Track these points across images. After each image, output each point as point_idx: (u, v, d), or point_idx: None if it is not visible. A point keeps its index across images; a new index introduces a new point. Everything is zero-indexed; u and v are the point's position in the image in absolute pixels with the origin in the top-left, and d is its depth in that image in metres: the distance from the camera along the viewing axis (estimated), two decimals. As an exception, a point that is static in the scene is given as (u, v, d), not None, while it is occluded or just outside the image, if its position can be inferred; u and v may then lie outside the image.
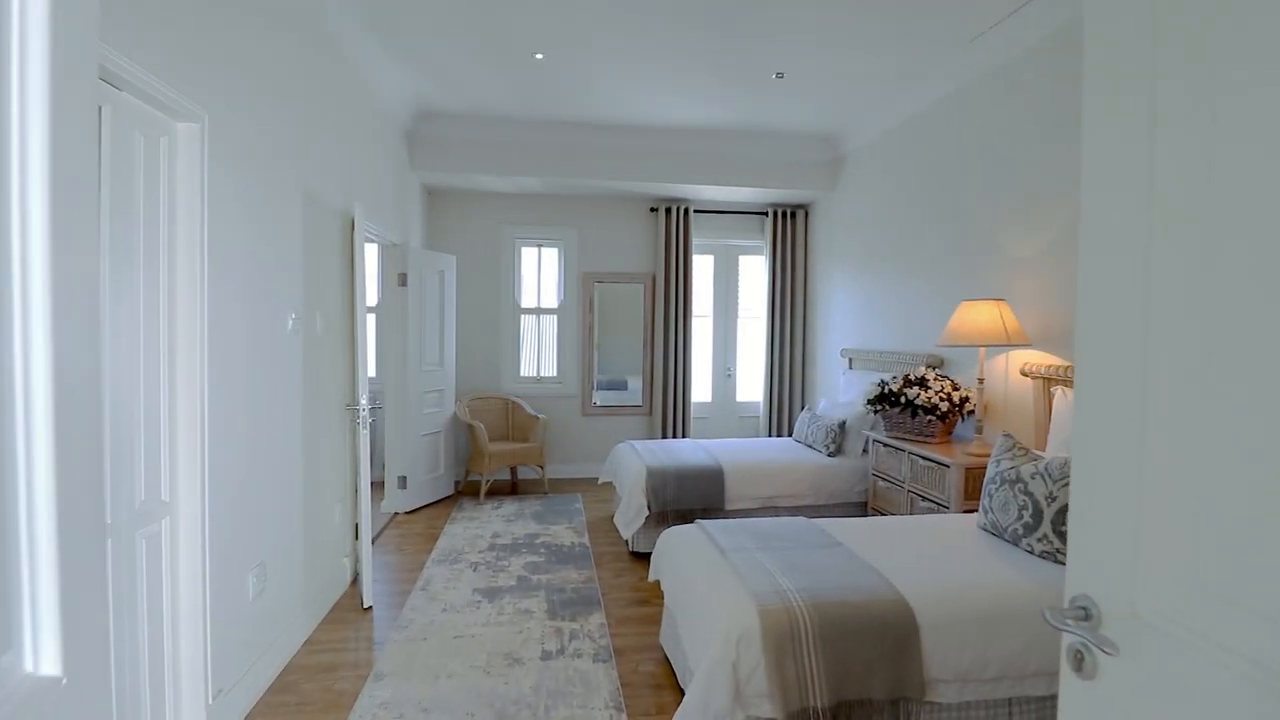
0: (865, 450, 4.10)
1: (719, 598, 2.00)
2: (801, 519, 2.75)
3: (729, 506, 3.80)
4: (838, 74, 3.83)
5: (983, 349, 3.17)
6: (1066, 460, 2.29)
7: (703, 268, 5.94)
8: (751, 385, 6.05)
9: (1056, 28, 2.99)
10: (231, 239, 2.14)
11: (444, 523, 4.37)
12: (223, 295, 2.08)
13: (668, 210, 5.58)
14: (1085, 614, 0.85)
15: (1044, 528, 2.29)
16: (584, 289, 5.73)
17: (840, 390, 4.71)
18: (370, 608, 3.04)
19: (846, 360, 4.89)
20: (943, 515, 2.91)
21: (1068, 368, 2.83)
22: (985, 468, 2.99)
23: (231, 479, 2.15)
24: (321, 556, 2.97)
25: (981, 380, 3.17)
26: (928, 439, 3.46)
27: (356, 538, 3.36)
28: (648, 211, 5.74)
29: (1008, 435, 2.63)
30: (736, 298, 6.01)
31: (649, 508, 3.69)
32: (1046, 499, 2.30)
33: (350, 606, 3.06)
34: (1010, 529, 2.41)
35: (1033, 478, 2.36)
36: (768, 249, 5.69)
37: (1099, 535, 0.85)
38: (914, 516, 2.89)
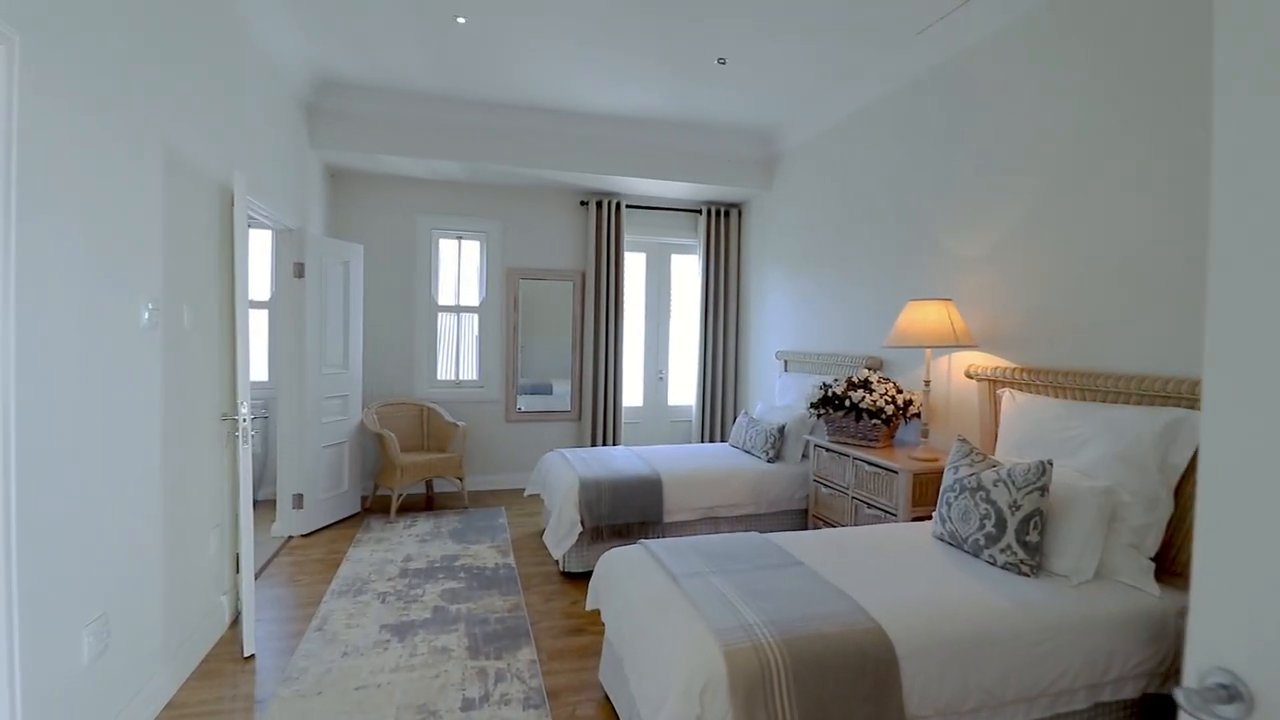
0: (805, 455, 3.97)
1: (674, 636, 1.73)
2: (754, 534, 2.53)
3: (668, 519, 3.55)
4: (780, 62, 3.67)
5: (929, 350, 3.08)
6: (1031, 466, 2.19)
7: (635, 266, 5.70)
8: (684, 389, 5.85)
9: (1000, 27, 2.94)
10: (58, 197, 1.67)
11: (347, 546, 3.87)
12: (42, 270, 1.61)
13: (599, 204, 5.30)
14: (1229, 694, 0.63)
15: (1007, 538, 2.17)
16: (508, 286, 5.34)
17: (776, 394, 4.58)
18: (252, 656, 2.55)
19: (782, 363, 4.78)
20: (894, 525, 2.77)
21: (1016, 369, 2.78)
22: (934, 474, 2.91)
23: (54, 510, 1.67)
24: (190, 597, 2.46)
25: (928, 383, 3.08)
26: (871, 443, 3.35)
27: (238, 570, 2.85)
28: (577, 205, 5.43)
29: (963, 440, 2.52)
30: (669, 298, 5.80)
31: (582, 523, 3.37)
32: (1010, 507, 2.18)
33: (228, 655, 2.56)
34: (971, 539, 2.28)
35: (995, 485, 2.25)
36: (701, 248, 5.52)
37: (1245, 588, 0.63)
38: (866, 527, 2.74)
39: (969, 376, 3.03)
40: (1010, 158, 2.90)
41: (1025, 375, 2.73)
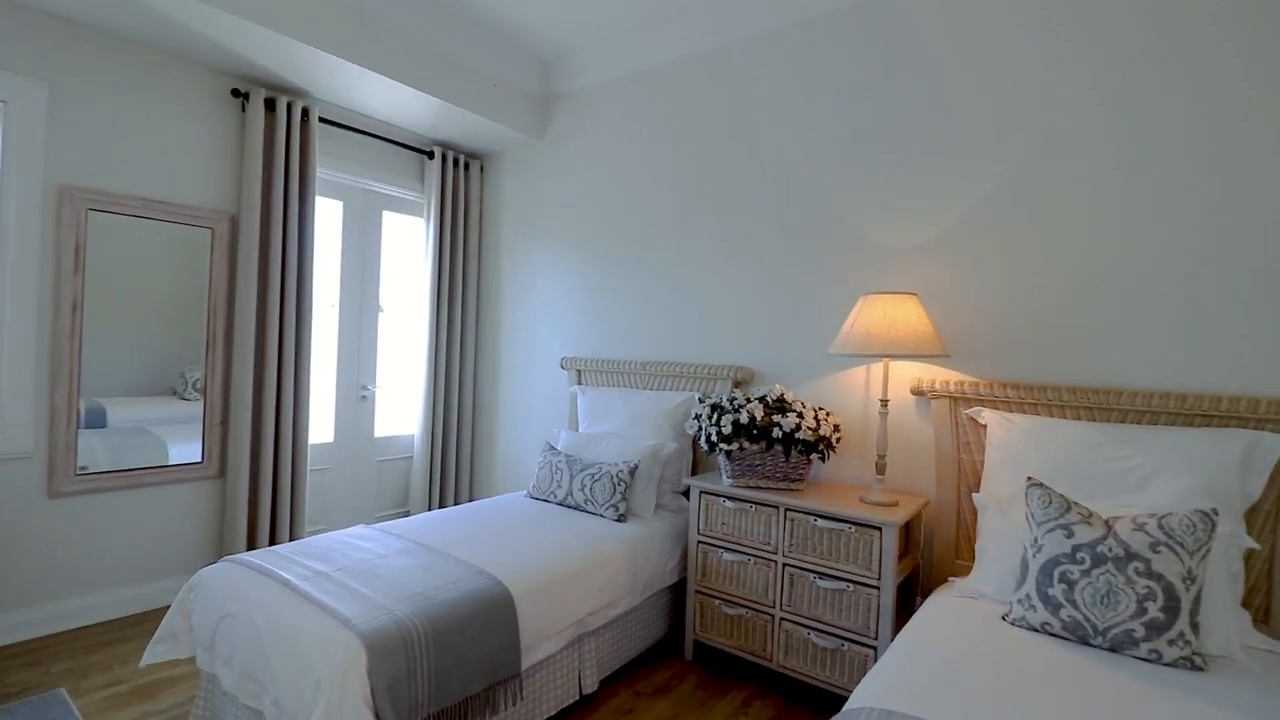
0: (660, 505, 2.86)
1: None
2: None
3: (526, 663, 1.97)
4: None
5: (887, 361, 2.37)
6: (1191, 519, 1.62)
7: (328, 220, 3.58)
8: (401, 412, 3.97)
9: (949, -29, 2.45)
10: None
11: None
12: None
13: (270, 104, 3.09)
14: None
15: (1180, 623, 1.56)
16: (60, 220, 2.65)
17: (582, 417, 3.30)
18: None
19: (573, 375, 3.50)
20: (940, 603, 1.94)
21: (1000, 384, 2.27)
22: (905, 525, 2.19)
23: None
24: None
25: (885, 402, 2.35)
26: (793, 485, 2.48)
27: None
28: (227, 96, 3.08)
29: (1042, 485, 1.84)
30: (377, 274, 3.84)
31: (381, 730, 1.54)
32: (1185, 580, 1.58)
33: None
34: (1118, 631, 1.60)
35: (1155, 550, 1.61)
36: (433, 208, 3.79)
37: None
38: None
39: (919, 393, 2.44)
40: (962, 131, 2.42)
41: (1011, 392, 2.24)
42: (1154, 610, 1.58)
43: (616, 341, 3.41)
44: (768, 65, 2.92)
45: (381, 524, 2.51)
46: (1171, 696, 1.40)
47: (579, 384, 3.46)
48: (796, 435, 2.38)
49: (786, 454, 2.41)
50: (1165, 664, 1.56)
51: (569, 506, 2.83)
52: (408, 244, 3.99)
